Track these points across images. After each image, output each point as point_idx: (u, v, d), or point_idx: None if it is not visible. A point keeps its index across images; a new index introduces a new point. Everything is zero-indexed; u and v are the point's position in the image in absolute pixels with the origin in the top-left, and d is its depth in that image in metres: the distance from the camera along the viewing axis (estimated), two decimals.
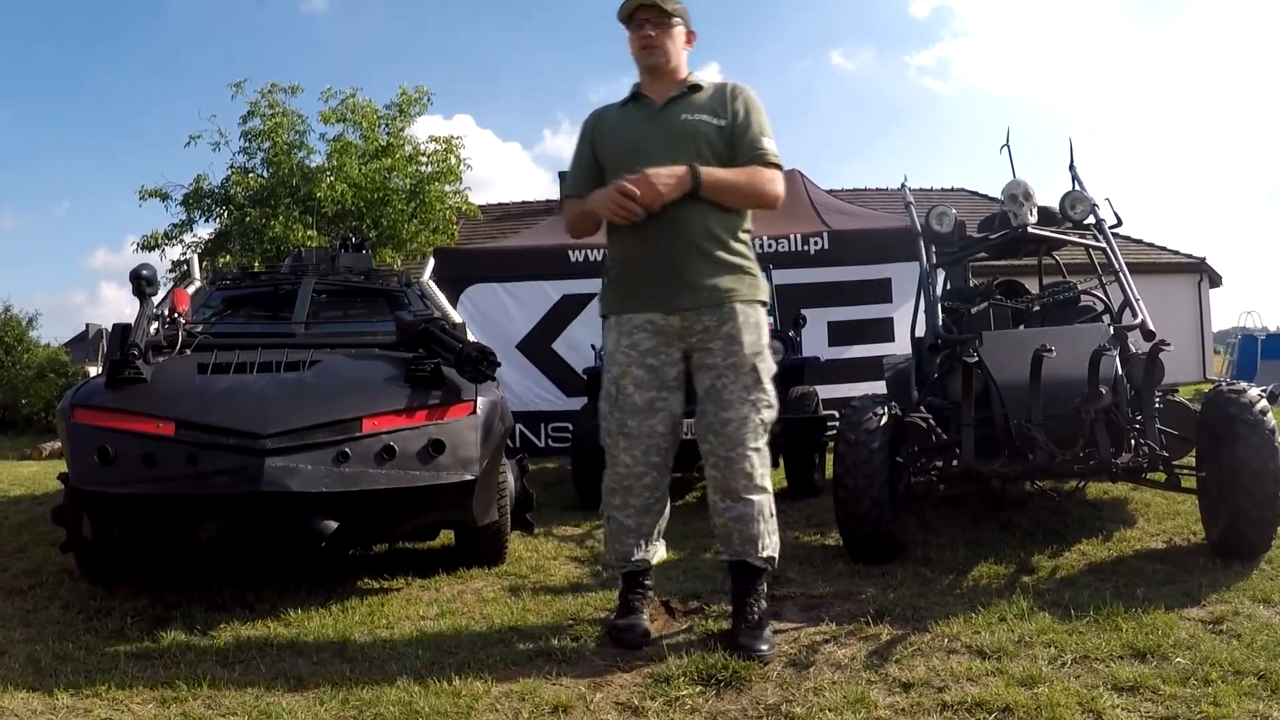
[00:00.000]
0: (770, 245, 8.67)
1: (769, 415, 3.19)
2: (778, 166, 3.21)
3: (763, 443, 3.18)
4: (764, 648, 2.97)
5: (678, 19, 3.25)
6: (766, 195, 3.21)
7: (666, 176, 3.03)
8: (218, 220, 14.34)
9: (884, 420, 4.17)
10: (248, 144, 14.21)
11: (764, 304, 3.27)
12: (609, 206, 3.06)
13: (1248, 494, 3.67)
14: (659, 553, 3.41)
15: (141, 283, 4.32)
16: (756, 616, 3.11)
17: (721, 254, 3.15)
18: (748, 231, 3.27)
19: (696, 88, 3.26)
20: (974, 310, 5.31)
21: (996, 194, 5.29)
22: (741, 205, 3.22)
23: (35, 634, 3.44)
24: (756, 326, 3.18)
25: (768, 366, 3.20)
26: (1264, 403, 3.84)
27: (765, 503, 3.18)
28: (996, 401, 4.28)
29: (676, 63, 3.27)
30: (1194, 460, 4.18)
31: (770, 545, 3.18)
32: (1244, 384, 4.04)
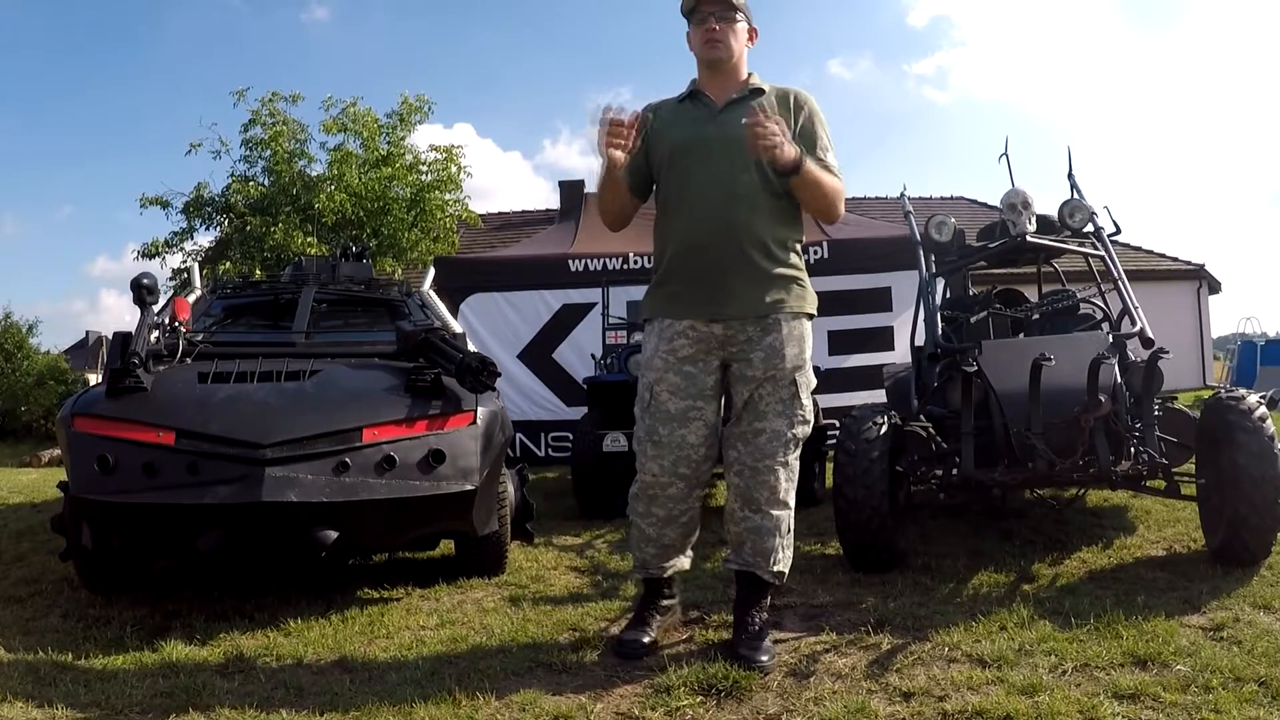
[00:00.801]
0: None
1: (803, 431, 3.15)
2: (842, 183, 3.16)
3: (793, 457, 3.14)
4: (764, 658, 2.96)
5: (742, 14, 3.19)
6: (837, 209, 3.17)
7: (783, 135, 2.90)
8: (218, 228, 14.37)
9: (884, 429, 4.16)
10: (249, 152, 14.26)
11: (811, 316, 3.20)
12: (754, 129, 2.86)
13: (1248, 500, 3.67)
14: (682, 563, 3.36)
15: (142, 291, 4.33)
16: (757, 627, 3.10)
17: (770, 264, 3.09)
18: (799, 241, 3.22)
19: (758, 91, 3.18)
20: (973, 319, 5.31)
21: (996, 202, 5.30)
22: (817, 208, 3.15)
23: (34, 642, 3.43)
24: (800, 339, 3.13)
25: (808, 380, 3.16)
26: (1263, 409, 3.85)
27: (785, 518, 3.14)
28: (996, 410, 4.28)
29: (739, 60, 3.21)
30: (1194, 467, 4.19)
31: (782, 560, 3.15)
32: (1243, 390, 4.04)
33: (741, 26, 3.20)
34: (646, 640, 3.15)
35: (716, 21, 3.14)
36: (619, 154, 2.98)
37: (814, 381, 3.22)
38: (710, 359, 3.13)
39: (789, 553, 3.18)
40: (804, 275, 3.20)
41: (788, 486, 3.13)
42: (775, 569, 3.13)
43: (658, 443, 3.14)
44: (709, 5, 3.15)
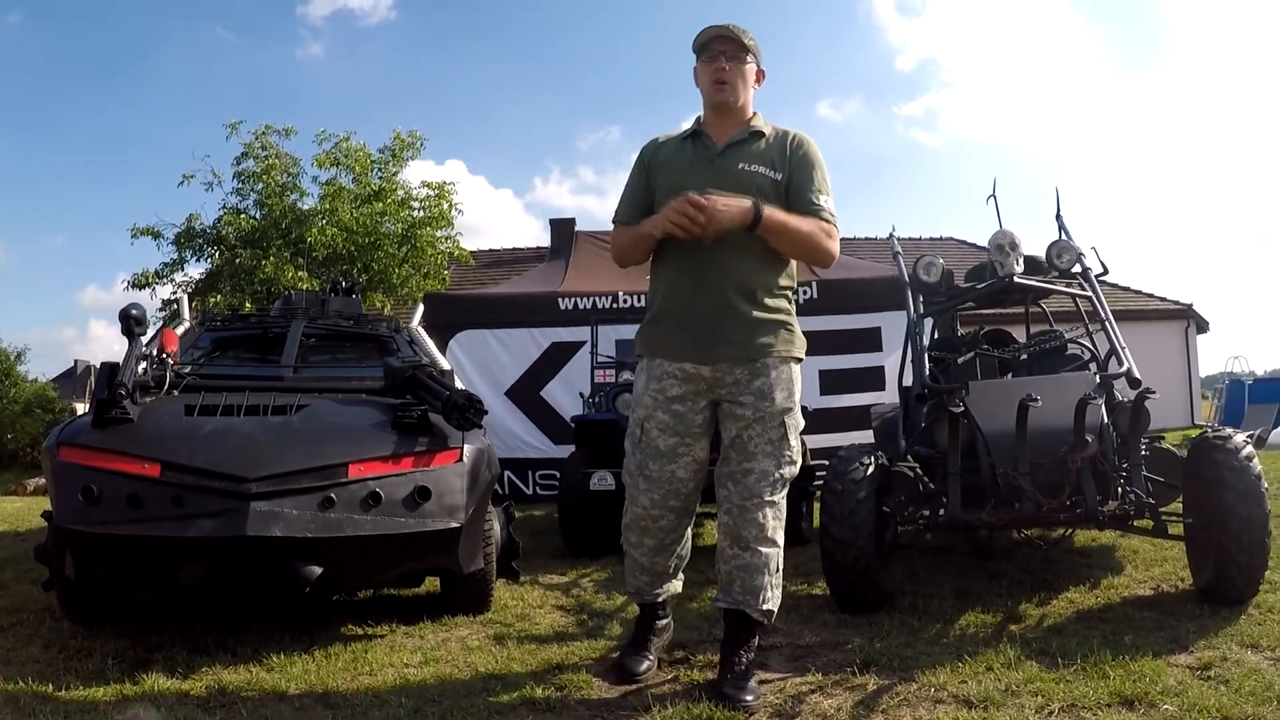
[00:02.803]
0: None
1: (790, 471, 3.16)
2: (834, 225, 3.15)
3: (780, 496, 3.16)
4: (750, 698, 2.93)
5: (752, 56, 3.20)
6: (823, 251, 3.14)
7: (727, 205, 2.96)
8: (209, 260, 14.39)
9: (871, 470, 4.16)
10: (241, 185, 14.34)
11: (799, 360, 3.22)
12: (670, 216, 2.97)
13: (1235, 539, 3.68)
14: (674, 587, 3.44)
15: (131, 322, 4.32)
16: (743, 666, 3.07)
17: (758, 310, 3.11)
18: (789, 288, 3.23)
19: (759, 134, 3.20)
20: (961, 359, 5.33)
21: (984, 243, 5.33)
22: (796, 255, 3.18)
23: (15, 673, 3.40)
24: (789, 383, 3.15)
25: (796, 423, 3.18)
26: (1250, 448, 3.87)
27: (774, 556, 3.15)
28: (983, 451, 4.28)
29: (744, 101, 3.22)
30: (1181, 506, 4.19)
31: (771, 599, 3.15)
32: (1229, 430, 4.06)
33: (750, 69, 3.22)
34: (646, 664, 3.22)
35: (726, 61, 3.16)
36: (676, 231, 2.99)
37: (802, 423, 3.25)
38: (699, 399, 3.16)
39: (778, 592, 3.18)
40: (793, 320, 3.22)
41: (775, 525, 3.14)
42: (764, 607, 3.13)
43: (649, 478, 3.18)
44: (721, 44, 3.16)
